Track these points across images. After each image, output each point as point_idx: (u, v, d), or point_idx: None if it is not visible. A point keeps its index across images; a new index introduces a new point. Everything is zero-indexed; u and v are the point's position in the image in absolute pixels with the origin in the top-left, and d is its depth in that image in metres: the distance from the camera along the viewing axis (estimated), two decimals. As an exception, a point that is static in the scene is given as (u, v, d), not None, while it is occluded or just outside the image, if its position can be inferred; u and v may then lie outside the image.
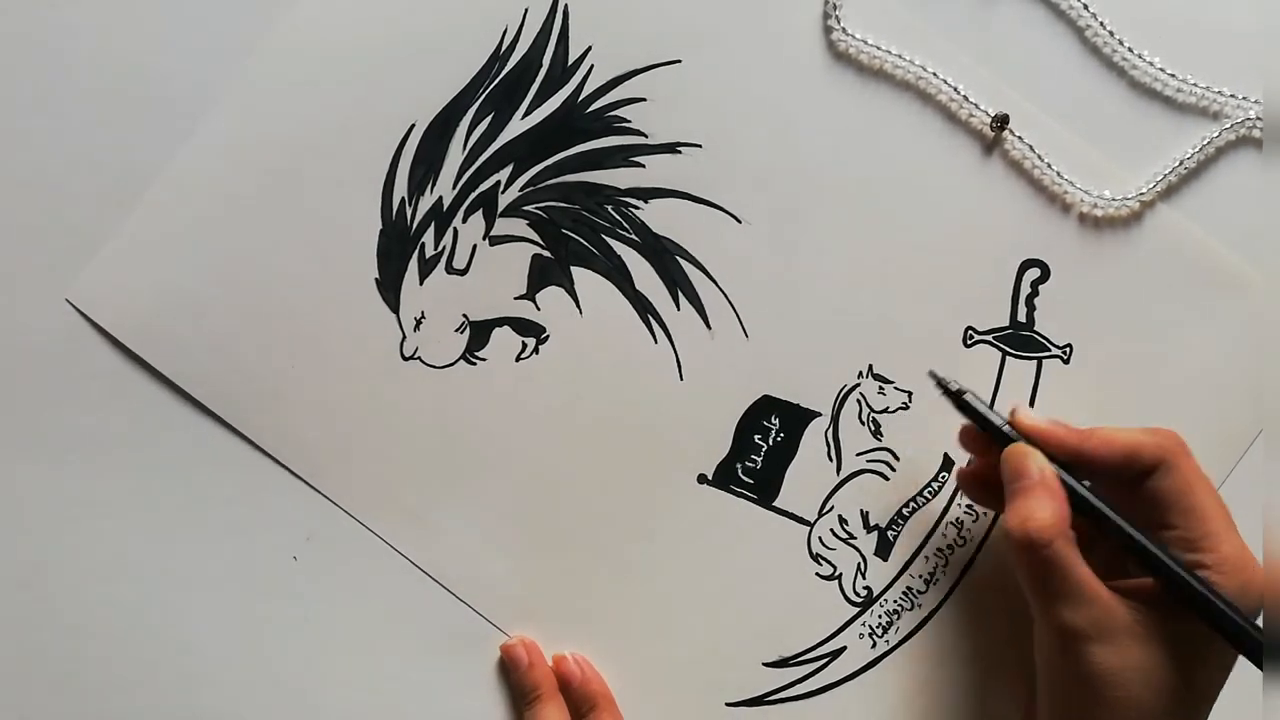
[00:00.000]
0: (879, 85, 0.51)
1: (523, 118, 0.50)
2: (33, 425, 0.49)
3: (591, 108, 0.50)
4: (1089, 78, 0.52)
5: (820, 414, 0.51)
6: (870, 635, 0.51)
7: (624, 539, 0.50)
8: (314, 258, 0.50)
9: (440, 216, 0.50)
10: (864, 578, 0.51)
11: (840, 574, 0.51)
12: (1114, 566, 0.45)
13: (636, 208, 0.51)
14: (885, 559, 0.51)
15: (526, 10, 0.50)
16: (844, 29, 0.51)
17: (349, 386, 0.50)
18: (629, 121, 0.50)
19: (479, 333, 0.50)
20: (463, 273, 0.50)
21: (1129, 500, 0.45)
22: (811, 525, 0.51)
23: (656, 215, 0.51)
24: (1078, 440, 0.45)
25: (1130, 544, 0.43)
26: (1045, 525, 0.43)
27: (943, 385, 0.47)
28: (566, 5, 0.50)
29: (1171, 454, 0.44)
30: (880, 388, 0.51)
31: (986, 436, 0.47)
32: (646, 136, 0.50)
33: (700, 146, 0.51)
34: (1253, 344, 0.51)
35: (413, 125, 0.50)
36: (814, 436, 0.51)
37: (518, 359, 0.50)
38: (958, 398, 0.47)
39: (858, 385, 0.51)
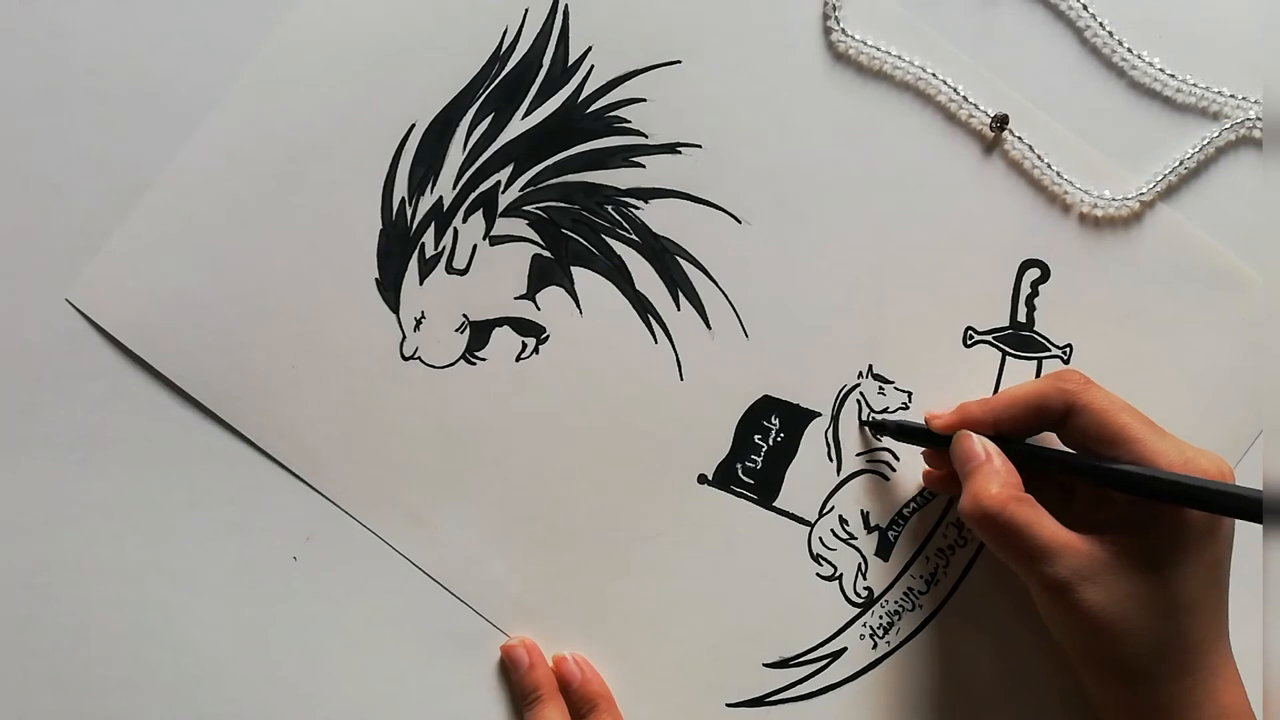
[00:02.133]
0: (879, 85, 0.51)
1: (523, 118, 0.50)
2: (32, 425, 0.49)
3: (592, 108, 0.50)
4: (1089, 78, 0.52)
5: (820, 414, 0.51)
6: (871, 636, 0.51)
7: (624, 539, 0.50)
8: (314, 258, 0.50)
9: (440, 216, 0.50)
10: (864, 578, 0.51)
11: (841, 574, 0.51)
12: (1092, 509, 0.46)
13: (636, 208, 0.51)
14: (886, 559, 0.51)
15: (526, 10, 0.50)
16: (844, 29, 0.51)
17: (349, 386, 0.50)
18: (629, 122, 0.50)
19: (479, 333, 0.50)
20: (463, 273, 0.50)
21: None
22: (812, 525, 0.51)
23: (656, 215, 0.51)
24: (987, 411, 0.47)
25: (1092, 473, 0.44)
26: (994, 494, 0.44)
27: (866, 424, 0.51)
28: (566, 5, 0.50)
29: (1074, 393, 0.45)
30: (880, 388, 0.51)
31: (940, 456, 0.49)
32: (646, 136, 0.51)
33: (700, 146, 0.51)
34: (1253, 344, 0.51)
35: (413, 125, 0.50)
36: (814, 436, 0.51)
37: (518, 359, 0.50)
38: (883, 427, 0.50)
39: (858, 385, 0.51)
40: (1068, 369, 0.47)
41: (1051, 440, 0.47)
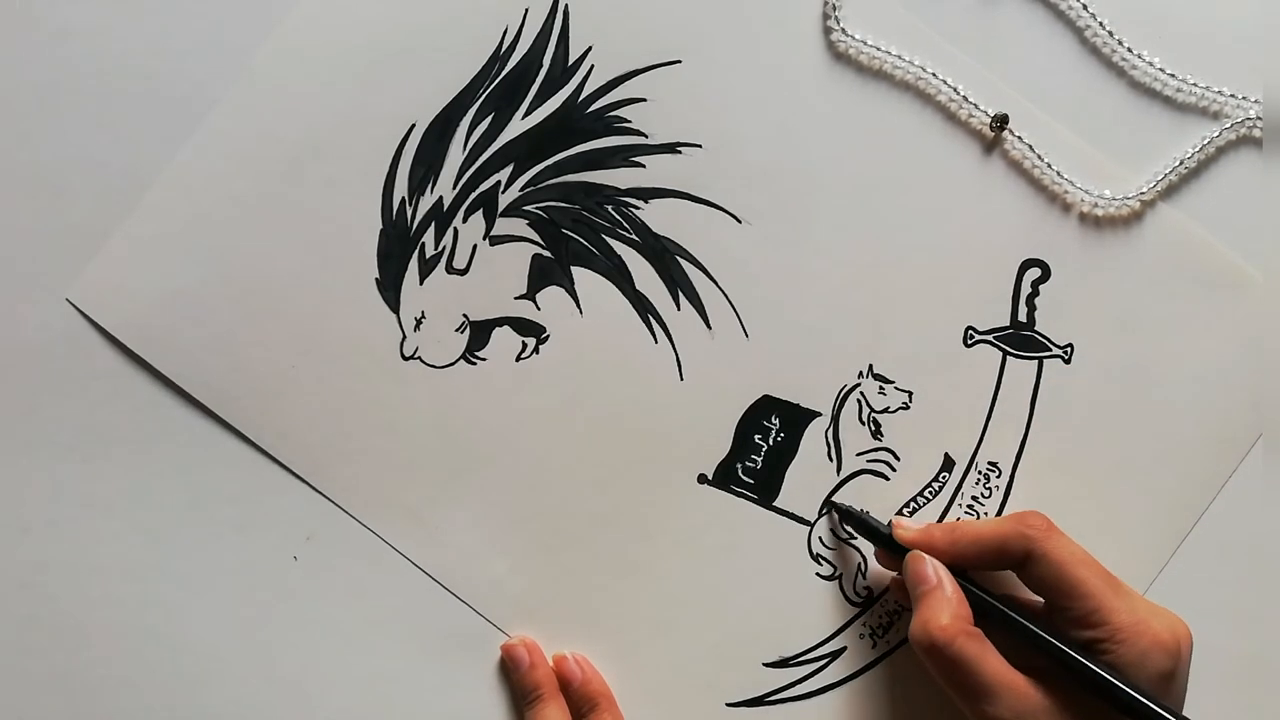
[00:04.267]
0: (879, 85, 0.51)
1: (523, 118, 0.50)
2: (33, 425, 0.49)
3: (592, 108, 0.50)
4: (1089, 78, 0.52)
5: (820, 414, 0.51)
6: (871, 635, 0.51)
7: (624, 539, 0.50)
8: (314, 258, 0.50)
9: (440, 216, 0.50)
10: (864, 578, 0.51)
11: (840, 574, 0.51)
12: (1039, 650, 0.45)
13: (636, 208, 0.51)
14: (886, 559, 0.51)
15: (527, 10, 0.50)
16: (844, 29, 0.51)
17: (349, 386, 0.50)
18: (629, 121, 0.50)
19: (479, 333, 0.50)
20: (463, 273, 0.50)
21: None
22: (812, 525, 0.51)
23: (656, 215, 0.51)
24: (949, 543, 0.47)
25: (1025, 637, 0.44)
26: (944, 626, 0.44)
27: (837, 509, 0.50)
28: (567, 5, 0.50)
29: (1034, 540, 0.45)
30: (880, 388, 0.51)
31: (890, 557, 0.49)
32: (646, 136, 0.51)
33: (700, 146, 0.51)
34: (1253, 344, 0.51)
35: (413, 125, 0.50)
36: (814, 436, 0.51)
37: (518, 359, 0.50)
38: (849, 516, 0.50)
39: (858, 385, 0.51)
40: (1032, 512, 0.46)
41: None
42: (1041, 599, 0.46)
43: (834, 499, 0.51)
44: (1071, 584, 0.44)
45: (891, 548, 0.48)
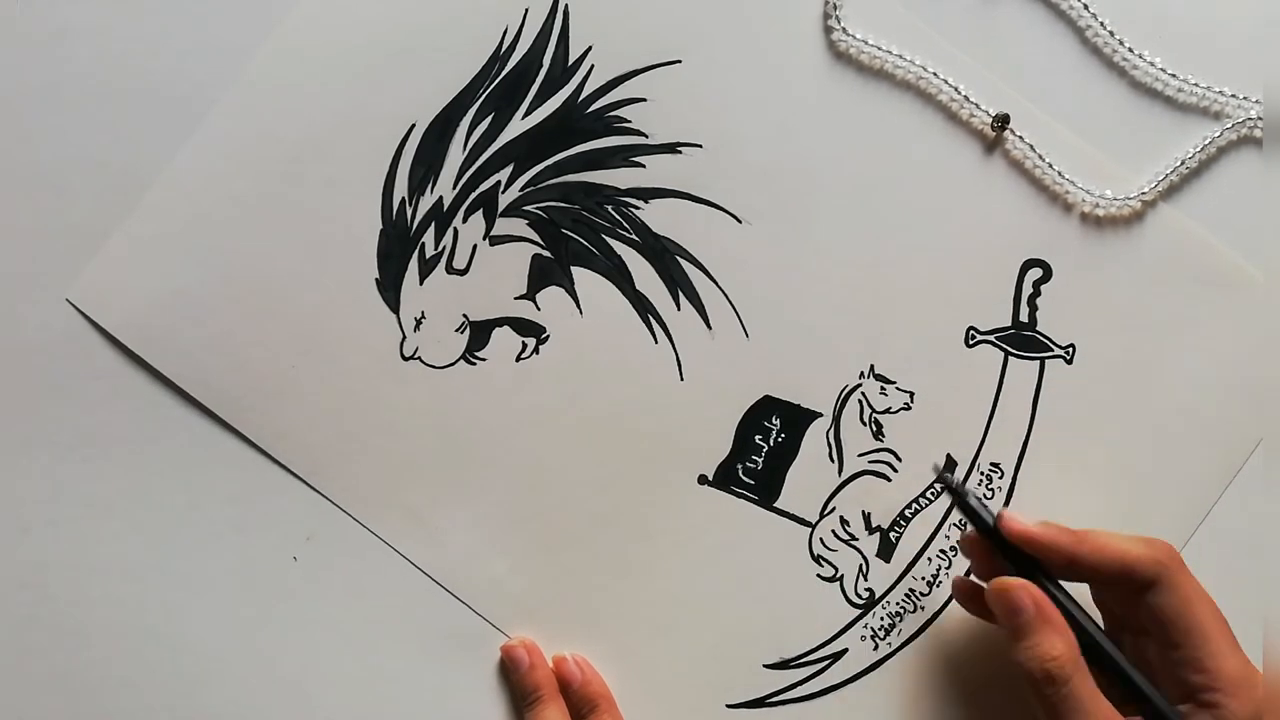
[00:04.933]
0: (879, 85, 0.51)
1: (523, 118, 0.50)
2: (33, 425, 0.49)
3: (592, 108, 0.50)
4: (1089, 78, 0.52)
5: (821, 414, 0.51)
6: (872, 637, 0.51)
7: (624, 539, 0.50)
8: (314, 258, 0.50)
9: (440, 216, 0.50)
10: (866, 579, 0.51)
11: (842, 575, 0.51)
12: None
13: (636, 208, 0.51)
14: (887, 560, 0.51)
15: (527, 10, 0.50)
16: (844, 29, 0.51)
17: (349, 386, 0.50)
18: (629, 121, 0.50)
19: (479, 333, 0.50)
20: (463, 273, 0.50)
21: (1131, 609, 0.45)
22: (813, 526, 0.51)
23: (656, 215, 0.51)
24: (1071, 545, 0.44)
25: (1127, 682, 0.43)
26: (1064, 661, 0.42)
27: (945, 482, 0.47)
28: (567, 5, 0.50)
29: (1167, 569, 0.43)
30: (882, 388, 0.51)
31: (986, 547, 0.46)
32: (646, 136, 0.51)
33: (700, 146, 0.51)
34: (1254, 344, 0.51)
35: (413, 125, 0.50)
36: (815, 437, 0.51)
37: (518, 359, 0.50)
38: (958, 496, 0.46)
39: (859, 385, 0.51)
40: (1160, 540, 0.44)
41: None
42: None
43: (944, 471, 0.48)
44: (1194, 621, 0.42)
45: (996, 540, 0.45)
